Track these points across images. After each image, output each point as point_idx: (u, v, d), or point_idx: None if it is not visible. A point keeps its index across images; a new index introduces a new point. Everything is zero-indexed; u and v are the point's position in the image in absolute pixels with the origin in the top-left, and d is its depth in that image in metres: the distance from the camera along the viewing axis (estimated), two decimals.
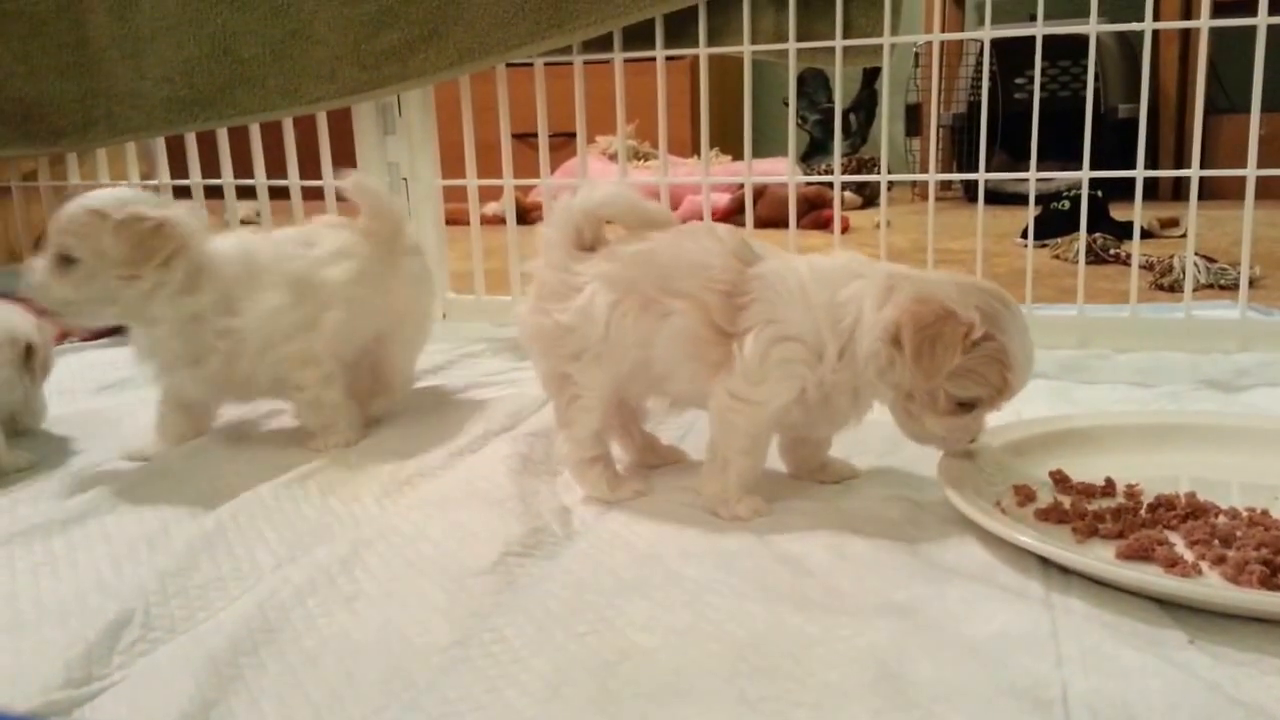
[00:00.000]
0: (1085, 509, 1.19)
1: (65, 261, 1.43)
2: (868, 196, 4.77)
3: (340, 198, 2.43)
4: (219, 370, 1.51)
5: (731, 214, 3.85)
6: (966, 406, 1.22)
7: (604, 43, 2.15)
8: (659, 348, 1.28)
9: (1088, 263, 2.08)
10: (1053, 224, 3.27)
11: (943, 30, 4.65)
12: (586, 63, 2.19)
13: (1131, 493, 1.25)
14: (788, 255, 1.31)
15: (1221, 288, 2.53)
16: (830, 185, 2.19)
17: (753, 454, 1.27)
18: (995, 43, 2.07)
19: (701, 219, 2.26)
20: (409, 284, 1.75)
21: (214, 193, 2.53)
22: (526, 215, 3.65)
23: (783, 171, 2.29)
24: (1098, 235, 3.01)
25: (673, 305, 1.26)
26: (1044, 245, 3.17)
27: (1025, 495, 1.25)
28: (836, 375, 1.22)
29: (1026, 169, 2.00)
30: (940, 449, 1.28)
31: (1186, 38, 4.59)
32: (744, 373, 1.23)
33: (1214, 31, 1.89)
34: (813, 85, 5.51)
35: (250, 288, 1.52)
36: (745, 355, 1.22)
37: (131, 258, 1.42)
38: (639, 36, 2.12)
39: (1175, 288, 2.53)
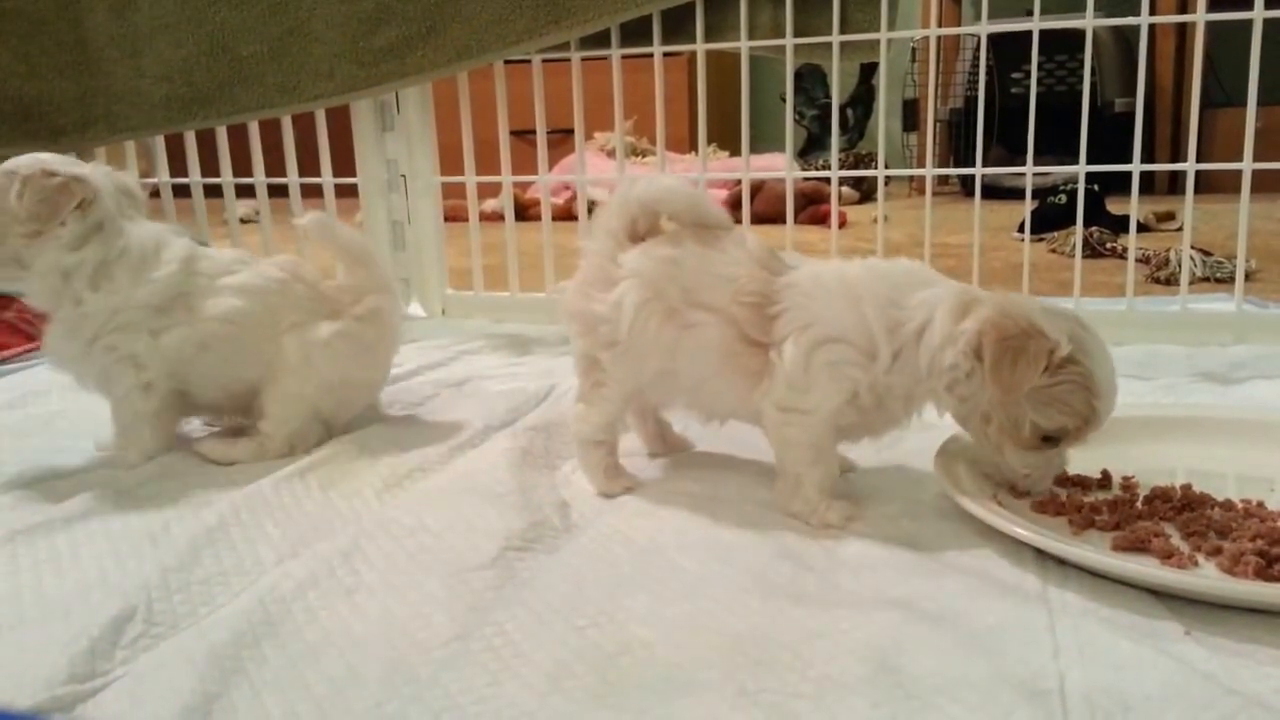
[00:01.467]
0: (1082, 501, 1.20)
1: None
2: (865, 191, 4.77)
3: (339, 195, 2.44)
4: (63, 342, 1.48)
5: (729, 210, 3.86)
6: (1050, 440, 1.18)
7: (601, 39, 2.16)
8: (684, 358, 1.28)
9: (1084, 256, 2.09)
10: (1049, 218, 3.28)
11: (939, 25, 4.64)
12: (584, 59, 2.20)
13: (1128, 485, 1.25)
14: (830, 261, 1.30)
15: (1218, 281, 2.53)
16: (827, 180, 2.19)
17: (820, 463, 1.24)
18: (992, 37, 2.09)
19: None
20: (345, 349, 1.54)
21: (213, 191, 2.53)
22: (525, 212, 3.65)
23: (780, 167, 2.29)
24: (1094, 229, 3.01)
25: (697, 317, 1.25)
26: (1041, 239, 3.17)
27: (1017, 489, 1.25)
28: (890, 378, 1.20)
29: (1023, 163, 2.01)
30: (1022, 486, 1.24)
31: (1183, 31, 4.59)
32: (788, 382, 1.21)
33: (1210, 25, 1.89)
34: (810, 80, 5.51)
35: (132, 272, 1.47)
36: (786, 362, 1.20)
37: (36, 213, 1.42)
38: (636, 33, 2.13)
39: (1171, 281, 2.53)
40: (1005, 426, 1.18)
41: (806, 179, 4.01)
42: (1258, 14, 1.80)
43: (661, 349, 1.28)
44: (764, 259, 1.27)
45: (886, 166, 2.16)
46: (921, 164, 2.55)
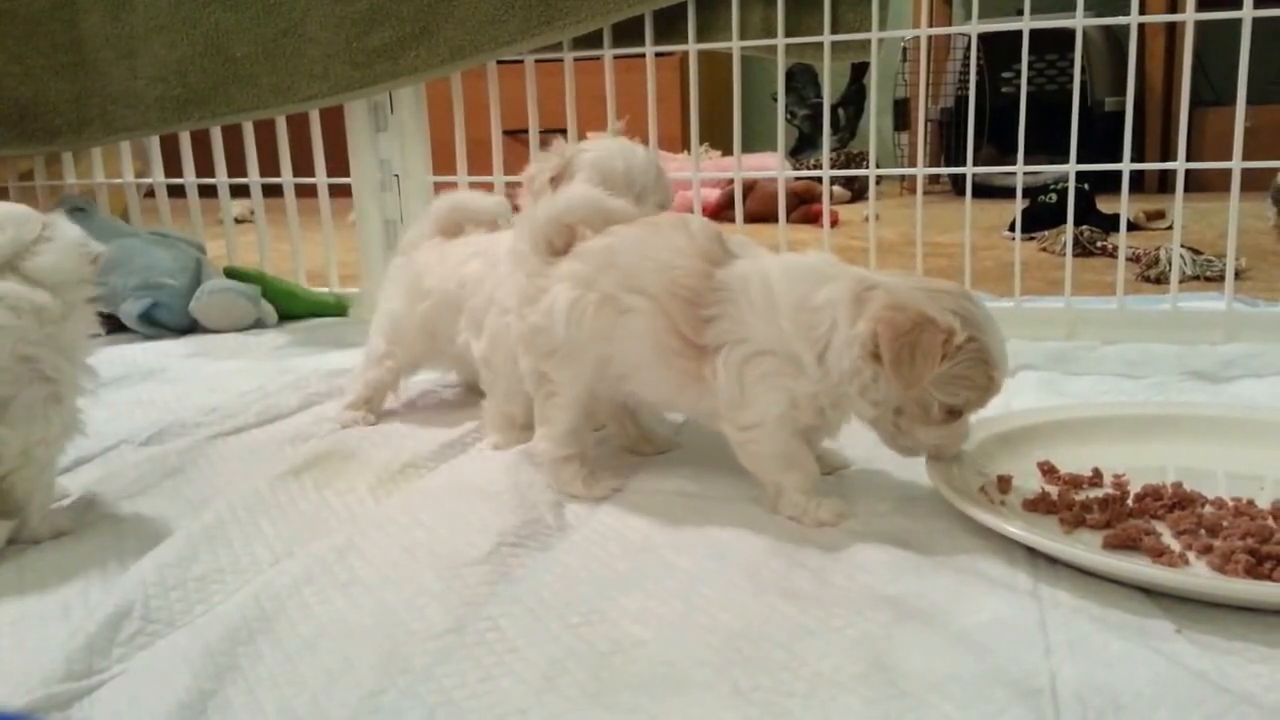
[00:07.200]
0: (1072, 499, 1.20)
1: None
2: (856, 191, 4.77)
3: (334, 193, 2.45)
4: None
5: (721, 209, 3.86)
6: (954, 413, 1.20)
7: (594, 39, 2.16)
8: (618, 344, 1.28)
9: (1075, 255, 2.09)
10: (1040, 217, 3.28)
11: (930, 25, 4.64)
12: (577, 59, 2.21)
13: (1118, 483, 1.26)
14: (762, 254, 1.29)
15: (1207, 279, 2.54)
16: (819, 180, 2.20)
17: (794, 468, 1.24)
18: (982, 37, 2.08)
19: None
20: None
21: (208, 191, 2.53)
22: (517, 212, 3.65)
23: (772, 166, 2.30)
24: (1085, 228, 3.02)
25: (632, 302, 1.25)
26: (1031, 238, 3.18)
27: (1004, 485, 1.26)
28: (819, 385, 1.20)
29: (1014, 162, 2.02)
30: (932, 456, 1.25)
31: (1172, 31, 4.60)
32: (728, 401, 1.22)
33: (1199, 24, 1.90)
34: (801, 80, 5.52)
35: None
36: (721, 381, 1.21)
37: None
38: (628, 33, 2.13)
39: (1162, 280, 2.54)
40: (915, 413, 1.20)
41: (798, 178, 4.01)
42: (1247, 13, 1.81)
43: (599, 337, 1.28)
44: (706, 247, 1.26)
45: (878, 166, 2.16)
46: (913, 163, 2.56)
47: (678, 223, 1.30)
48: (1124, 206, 2.00)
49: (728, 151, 4.30)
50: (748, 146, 2.26)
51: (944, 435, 1.22)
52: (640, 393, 1.34)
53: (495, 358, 1.51)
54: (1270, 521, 1.11)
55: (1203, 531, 1.11)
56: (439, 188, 2.43)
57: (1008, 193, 2.47)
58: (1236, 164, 1.87)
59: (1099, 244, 3.03)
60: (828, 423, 1.25)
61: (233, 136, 2.47)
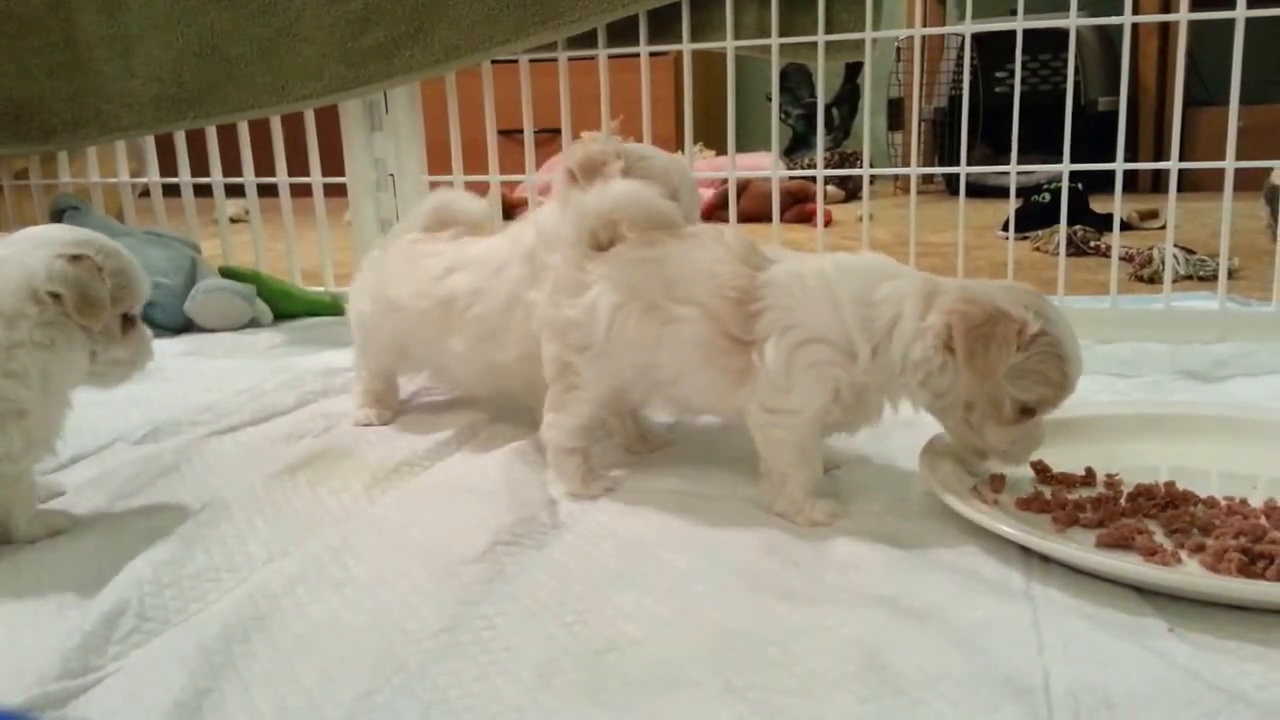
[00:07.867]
0: (1065, 498, 1.21)
1: None
2: (850, 190, 4.77)
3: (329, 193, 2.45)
4: None
5: (715, 209, 3.86)
6: (1027, 412, 1.20)
7: (588, 39, 2.16)
8: (665, 353, 1.28)
9: (1068, 255, 2.09)
10: (1034, 217, 3.29)
11: (924, 25, 4.64)
12: (571, 59, 2.21)
13: (1111, 482, 1.26)
14: (806, 256, 1.30)
15: (1200, 279, 2.54)
16: (813, 179, 2.20)
17: (805, 463, 1.24)
18: (976, 37, 2.10)
19: None
20: None
21: (203, 190, 2.53)
22: (512, 212, 3.64)
23: (766, 166, 2.30)
24: (1078, 227, 3.02)
25: (679, 312, 1.25)
26: (1025, 238, 3.18)
27: (997, 484, 1.26)
28: (868, 376, 1.20)
29: (1007, 162, 2.02)
30: (1003, 462, 1.26)
31: (1166, 31, 4.60)
32: (771, 383, 1.21)
33: (1192, 24, 1.90)
34: (795, 80, 5.51)
35: None
36: (768, 364, 1.21)
37: None
38: (623, 33, 2.14)
39: (1155, 279, 2.54)
40: (987, 409, 1.20)
41: (792, 178, 4.01)
42: (1240, 13, 1.81)
43: (641, 345, 1.28)
44: (745, 254, 1.27)
45: (871, 165, 2.17)
46: (906, 163, 2.55)
47: (715, 234, 1.31)
48: (1117, 206, 2.00)
49: (722, 151, 4.31)
50: (741, 146, 2.27)
51: (1016, 436, 1.22)
52: (686, 398, 1.34)
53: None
54: (1263, 520, 1.12)
55: (1195, 530, 1.11)
56: (434, 187, 2.44)
57: (1001, 192, 2.48)
58: (1230, 164, 1.87)
59: (1092, 243, 3.03)
60: (864, 413, 1.26)
61: (228, 136, 2.47)
